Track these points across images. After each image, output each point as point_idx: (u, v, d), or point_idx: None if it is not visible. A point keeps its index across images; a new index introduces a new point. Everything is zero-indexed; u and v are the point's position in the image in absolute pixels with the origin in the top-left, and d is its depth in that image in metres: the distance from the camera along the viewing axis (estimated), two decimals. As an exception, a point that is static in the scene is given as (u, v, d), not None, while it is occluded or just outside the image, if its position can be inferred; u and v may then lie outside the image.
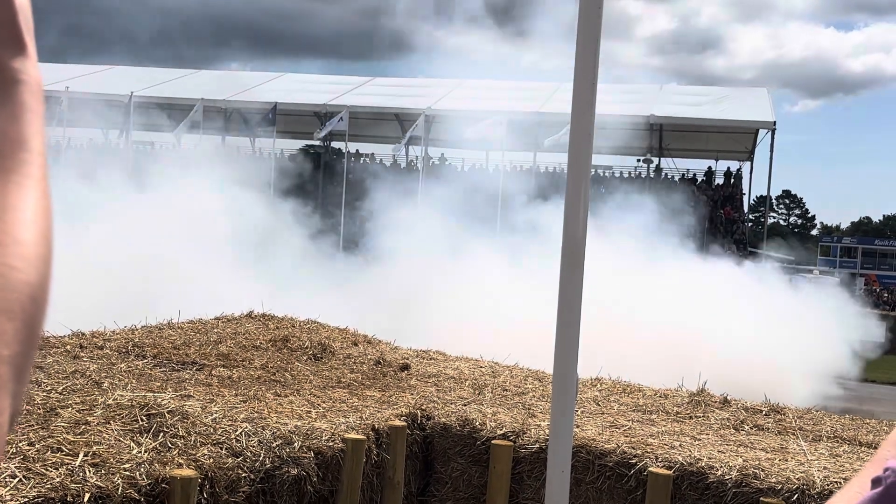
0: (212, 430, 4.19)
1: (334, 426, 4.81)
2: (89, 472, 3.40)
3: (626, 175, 41.64)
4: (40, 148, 0.69)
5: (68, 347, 6.06)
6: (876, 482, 1.08)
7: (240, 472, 4.01)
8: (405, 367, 6.87)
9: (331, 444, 4.59)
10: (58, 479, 3.27)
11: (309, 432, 4.58)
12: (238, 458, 4.06)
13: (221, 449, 4.05)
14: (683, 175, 41.20)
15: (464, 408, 5.72)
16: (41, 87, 0.72)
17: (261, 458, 4.14)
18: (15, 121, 0.68)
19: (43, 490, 3.20)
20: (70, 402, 4.20)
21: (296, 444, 4.39)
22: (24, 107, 0.69)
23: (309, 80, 45.98)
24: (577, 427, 5.27)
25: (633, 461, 4.89)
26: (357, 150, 41.04)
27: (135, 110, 35.62)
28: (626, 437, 5.24)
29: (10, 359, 0.61)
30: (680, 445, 5.11)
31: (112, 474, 3.44)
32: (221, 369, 6.08)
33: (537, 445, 5.11)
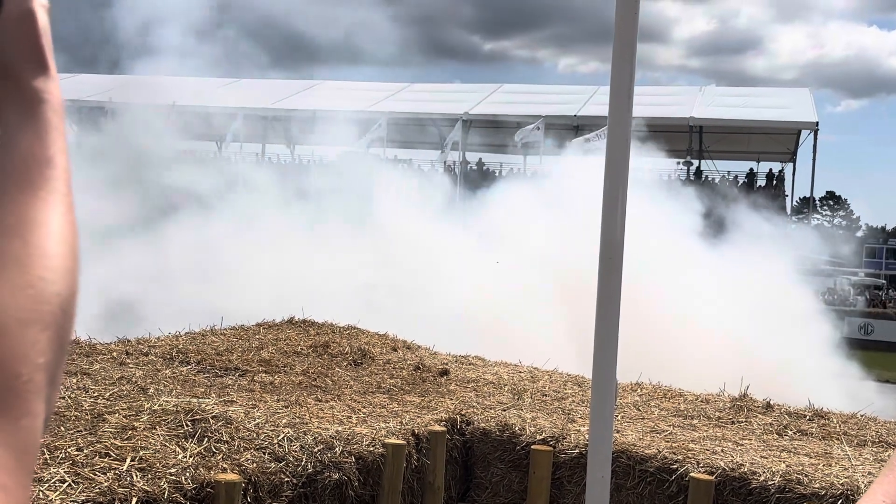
0: (255, 436, 4.25)
1: (375, 431, 4.85)
2: (136, 476, 3.47)
3: (665, 177, 41.29)
4: (65, 164, 0.73)
5: (114, 354, 6.18)
6: None
7: (282, 476, 4.06)
8: (444, 373, 6.90)
9: (371, 449, 4.63)
10: (106, 484, 3.34)
11: (350, 437, 4.63)
12: (281, 462, 4.11)
13: (264, 454, 4.10)
14: (724, 177, 40.75)
15: (503, 413, 5.73)
16: (62, 106, 0.75)
17: (303, 463, 4.18)
18: (40, 139, 0.72)
19: (91, 494, 3.27)
20: (117, 407, 4.28)
21: (337, 449, 4.44)
22: (49, 125, 0.73)
23: (347, 87, 46.29)
24: (618, 432, 5.25)
25: (675, 466, 4.86)
26: (395, 157, 41.18)
27: (177, 119, 36.11)
28: (668, 442, 5.21)
29: (45, 366, 0.65)
30: (722, 451, 5.06)
31: (158, 479, 3.50)
32: (263, 375, 6.15)
33: (577, 450, 5.10)
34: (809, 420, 6.11)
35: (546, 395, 6.46)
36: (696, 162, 39.33)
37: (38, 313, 0.65)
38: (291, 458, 4.17)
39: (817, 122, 35.88)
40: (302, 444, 4.31)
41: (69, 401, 4.33)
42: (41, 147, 0.71)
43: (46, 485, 3.23)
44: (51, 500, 3.14)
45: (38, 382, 0.64)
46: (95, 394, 4.60)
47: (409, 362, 7.12)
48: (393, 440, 4.78)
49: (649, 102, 35.34)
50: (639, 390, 6.87)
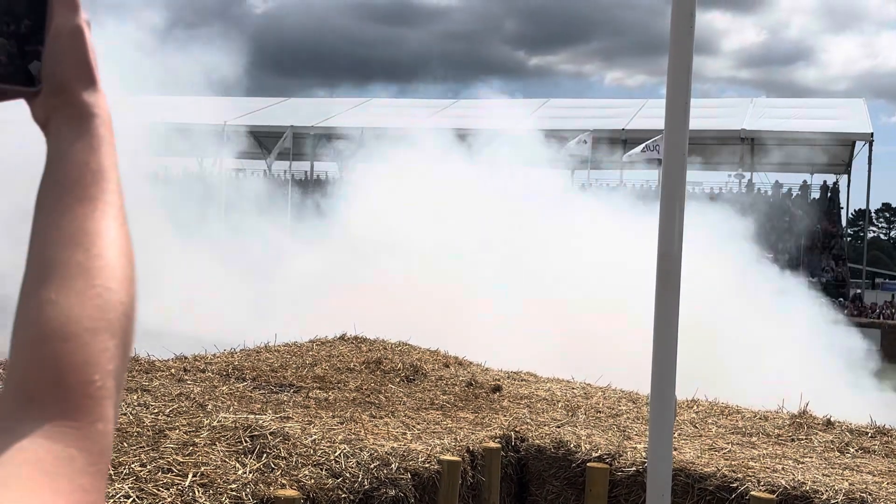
0: (312, 452, 4.28)
1: (429, 448, 4.86)
2: (198, 492, 3.52)
3: (717, 190, 40.83)
4: (116, 177, 0.75)
5: (172, 371, 6.28)
6: None
7: (340, 492, 4.08)
8: (497, 389, 6.88)
9: (427, 465, 4.63)
10: (169, 499, 3.40)
11: (405, 454, 4.64)
12: (338, 478, 4.13)
13: (322, 470, 4.13)
14: (778, 189, 40.15)
15: (557, 429, 5.69)
16: (111, 120, 0.78)
17: (359, 479, 4.20)
18: (94, 152, 0.74)
19: (155, 509, 3.32)
20: (177, 423, 4.35)
21: (393, 466, 4.45)
22: (101, 139, 0.75)
23: (394, 104, 46.63)
24: (675, 450, 5.18)
25: (735, 485, 4.78)
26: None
27: (228, 138, 36.71)
28: (726, 460, 5.13)
29: (115, 372, 0.68)
30: (782, 469, 4.97)
31: (220, 494, 3.55)
32: (318, 391, 6.20)
33: (634, 468, 5.04)
34: (871, 437, 5.97)
35: (600, 412, 6.41)
36: (748, 174, 38.82)
37: (106, 321, 0.68)
38: (348, 475, 4.19)
39: (872, 133, 35.26)
40: (358, 461, 4.33)
41: (131, 417, 4.41)
42: (97, 160, 0.74)
43: (112, 500, 3.29)
44: (116, 515, 3.20)
45: (110, 388, 0.67)
46: (156, 410, 4.67)
47: (461, 378, 7.12)
48: (448, 457, 4.77)
49: (700, 115, 34.96)
50: (695, 407, 6.78)
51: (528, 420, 5.94)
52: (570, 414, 6.28)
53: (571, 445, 5.37)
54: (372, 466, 4.34)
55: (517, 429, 5.63)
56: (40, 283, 0.69)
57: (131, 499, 3.32)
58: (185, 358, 6.84)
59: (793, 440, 5.83)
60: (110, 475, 3.50)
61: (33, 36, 0.74)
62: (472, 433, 5.38)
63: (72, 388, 0.65)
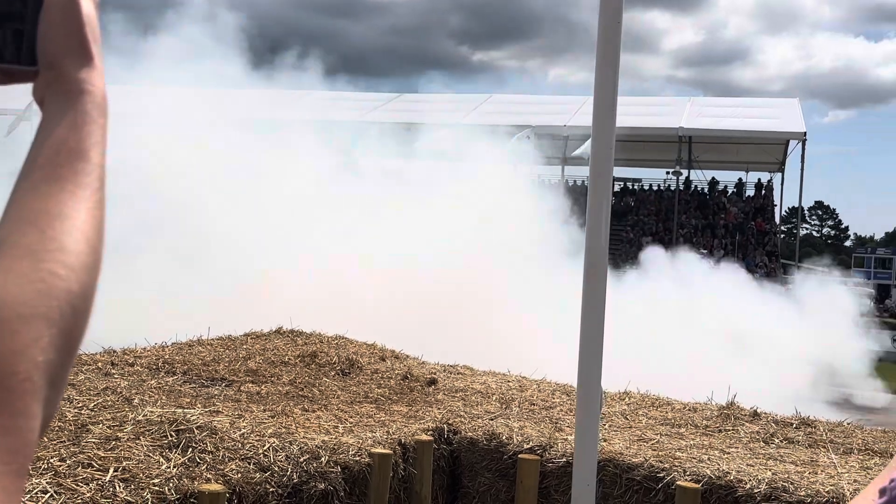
0: (240, 446, 4.24)
1: (361, 441, 4.84)
2: (119, 487, 3.45)
3: (655, 187, 41.46)
4: (99, 159, 0.71)
5: (100, 364, 6.15)
6: (882, 492, 1.09)
7: (267, 486, 4.04)
8: (432, 382, 6.89)
9: (358, 458, 4.62)
10: (88, 495, 3.32)
11: (336, 447, 4.61)
12: (266, 472, 4.09)
13: (249, 464, 4.09)
14: (713, 187, 40.91)
15: (491, 422, 5.72)
16: (106, 98, 0.73)
17: (288, 473, 4.17)
18: (76, 130, 0.70)
19: (74, 505, 3.25)
20: (101, 418, 4.26)
21: (323, 459, 4.42)
22: (87, 117, 0.71)
23: (335, 97, 46.30)
24: (605, 441, 5.25)
25: (661, 475, 4.86)
26: (384, 168, 41.14)
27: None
28: (654, 450, 5.21)
29: (45, 365, 0.62)
30: (708, 459, 5.07)
31: (141, 489, 3.49)
32: (250, 385, 6.13)
33: (564, 459, 5.09)
34: (796, 428, 6.12)
35: (534, 405, 6.46)
36: (685, 172, 39.47)
37: (45, 309, 0.63)
38: (277, 469, 4.16)
39: (805, 133, 36.07)
40: (287, 454, 4.30)
41: (53, 411, 4.31)
42: (76, 138, 0.69)
43: (28, 496, 3.21)
44: (32, 511, 3.12)
45: (37, 382, 0.61)
46: (80, 404, 4.57)
47: (397, 372, 7.11)
48: (379, 450, 4.76)
49: (639, 113, 35.49)
50: (627, 399, 6.87)
51: (462, 413, 5.96)
52: (503, 406, 6.32)
53: (504, 437, 5.40)
54: (301, 460, 4.31)
55: (450, 421, 5.64)
56: None
57: (49, 493, 3.25)
58: (114, 351, 6.71)
59: (720, 431, 5.95)
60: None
61: (37, 14, 0.71)
62: (406, 426, 5.38)
63: None
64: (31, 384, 0.61)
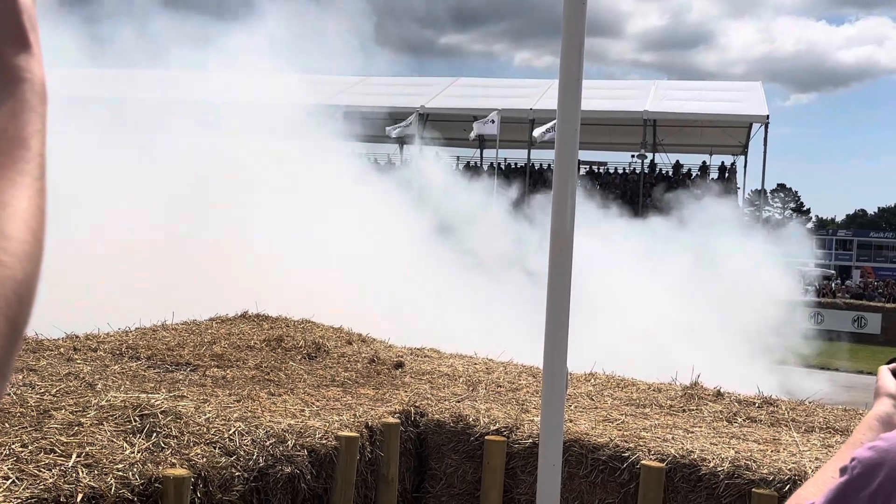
0: (205, 430, 4.21)
1: (328, 424, 4.83)
2: (82, 472, 3.41)
3: (620, 171, 41.71)
4: (39, 147, 0.70)
5: (62, 350, 6.07)
6: (843, 471, 1.10)
7: (233, 470, 4.02)
8: (399, 365, 6.89)
9: (324, 441, 4.61)
10: (51, 480, 3.29)
11: (302, 430, 4.60)
12: (231, 457, 4.07)
13: (215, 448, 4.06)
14: (678, 170, 41.24)
15: (457, 404, 5.74)
16: (45, 86, 0.72)
17: (254, 457, 4.15)
18: (14, 118, 0.69)
19: (36, 491, 3.21)
20: (63, 403, 4.21)
21: (289, 443, 4.41)
22: (26, 105, 0.70)
23: (300, 81, 45.90)
24: (570, 422, 5.30)
25: (626, 454, 4.91)
26: (351, 150, 40.94)
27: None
28: (619, 430, 5.26)
29: None
30: (673, 438, 5.13)
31: (105, 474, 3.45)
32: (215, 370, 6.09)
33: (530, 440, 5.13)
34: (759, 407, 6.21)
35: (500, 387, 6.49)
36: (650, 155, 39.74)
37: None
38: (242, 453, 4.14)
39: (768, 116, 36.46)
40: (253, 438, 4.28)
41: (14, 397, 4.25)
42: (15, 126, 0.68)
43: (-11, 482, 3.17)
44: (-7, 498, 3.08)
45: None
46: (42, 390, 4.51)
47: (363, 355, 7.10)
48: (346, 433, 4.76)
49: (603, 96, 35.64)
50: (592, 380, 6.93)
51: (429, 395, 5.97)
52: (470, 389, 6.34)
53: (470, 419, 5.42)
54: (267, 444, 4.30)
55: (417, 404, 5.65)
56: None
57: (10, 480, 3.20)
58: (76, 337, 6.62)
59: (684, 411, 6.02)
60: (-13, 457, 3.36)
61: None
62: (372, 409, 5.38)
63: None
64: None
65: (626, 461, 4.88)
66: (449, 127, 39.96)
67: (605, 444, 5.00)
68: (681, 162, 41.69)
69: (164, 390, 5.05)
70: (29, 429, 3.77)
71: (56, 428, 3.79)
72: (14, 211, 0.66)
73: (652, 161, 40.29)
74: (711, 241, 21.79)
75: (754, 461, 4.73)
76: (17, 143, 0.68)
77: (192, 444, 4.01)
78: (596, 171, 42.49)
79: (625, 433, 5.19)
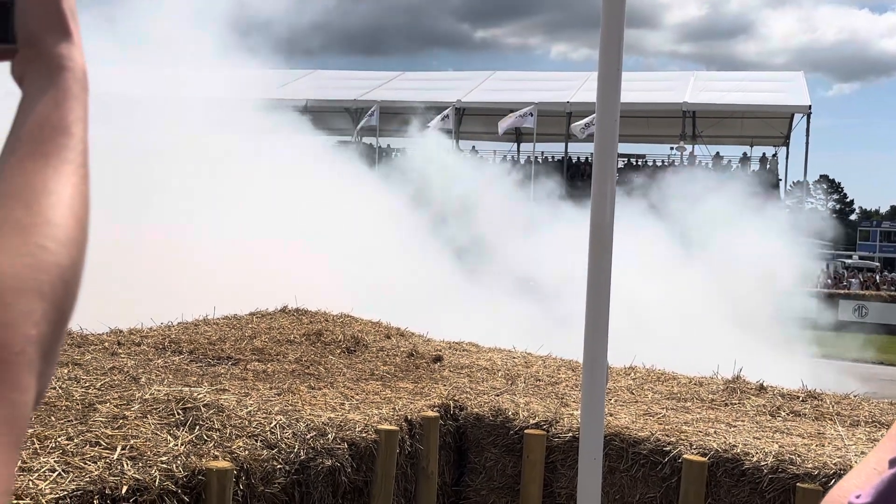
0: (247, 423, 4.25)
1: (367, 418, 4.85)
2: (127, 465, 3.46)
3: (659, 163, 41.31)
4: (82, 134, 0.71)
5: (106, 344, 6.16)
6: (892, 463, 1.08)
7: (275, 463, 4.05)
8: (438, 359, 6.89)
9: (364, 435, 4.63)
10: (96, 473, 3.33)
11: (342, 424, 4.62)
12: (273, 449, 4.10)
13: (256, 441, 4.10)
14: (718, 162, 40.75)
15: (496, 398, 5.73)
16: (86, 74, 0.73)
17: (295, 450, 4.18)
18: (57, 107, 0.70)
19: (82, 483, 3.26)
20: (108, 397, 4.27)
21: (329, 436, 4.43)
22: (68, 93, 0.71)
23: (339, 76, 46.14)
24: (611, 415, 5.26)
25: (668, 448, 4.87)
26: (388, 145, 41.10)
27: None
28: (661, 424, 5.22)
29: (38, 338, 0.62)
30: (715, 432, 5.08)
31: (149, 467, 3.50)
32: (256, 364, 6.14)
33: (570, 434, 5.10)
34: (802, 401, 6.12)
35: (539, 380, 6.47)
36: (689, 147, 39.33)
37: (36, 283, 0.63)
38: (284, 445, 4.17)
39: (810, 106, 35.91)
40: (294, 431, 4.30)
41: (60, 391, 4.32)
42: (58, 115, 0.69)
43: (36, 474, 3.22)
44: (41, 490, 3.13)
45: (30, 355, 0.61)
46: (87, 384, 4.58)
47: (402, 349, 7.12)
48: (386, 426, 4.77)
49: (642, 88, 35.34)
50: (632, 374, 6.88)
51: (468, 389, 5.96)
52: (509, 383, 6.32)
53: (509, 413, 5.41)
54: (308, 437, 4.32)
55: (456, 398, 5.65)
56: None
57: (57, 472, 3.25)
58: (120, 331, 6.72)
59: (726, 405, 5.95)
60: (35, 449, 3.42)
61: None
62: (412, 403, 5.38)
63: None
64: (25, 357, 0.61)
65: (668, 455, 4.84)
66: (486, 121, 39.88)
67: (646, 438, 4.96)
68: (721, 153, 41.18)
69: (206, 384, 5.11)
70: (74, 422, 3.83)
71: (101, 421, 3.85)
72: (59, 198, 0.67)
73: (691, 153, 39.87)
74: (740, 231, 21.55)
75: (799, 455, 4.67)
76: (60, 131, 0.69)
77: (234, 436, 4.05)
78: (634, 163, 42.14)
79: (666, 427, 5.14)
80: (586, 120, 30.42)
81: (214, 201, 16.22)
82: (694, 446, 4.84)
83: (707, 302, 17.54)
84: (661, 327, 14.81)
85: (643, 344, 8.76)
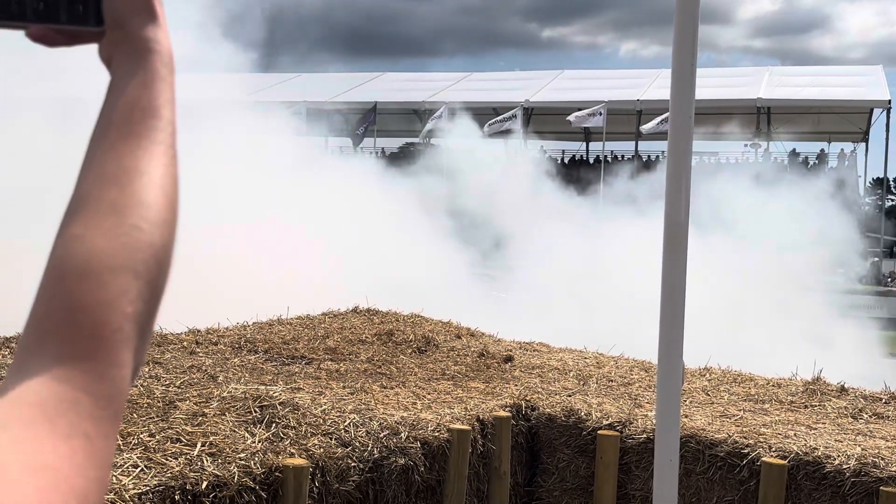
0: (321, 421, 4.30)
1: (440, 417, 4.87)
2: (207, 461, 3.54)
3: (732, 161, 40.52)
4: (171, 116, 0.72)
5: (185, 343, 6.31)
6: None
7: (349, 461, 4.10)
8: (508, 359, 6.88)
9: (436, 434, 4.65)
10: (177, 469, 3.42)
11: (415, 423, 4.65)
12: (347, 447, 4.15)
13: (331, 439, 4.15)
14: (794, 159, 39.79)
15: (568, 398, 5.69)
16: (172, 56, 0.74)
17: (369, 448, 4.22)
18: (146, 89, 0.71)
19: (163, 479, 3.35)
20: (188, 395, 4.37)
21: (402, 435, 4.46)
22: (156, 76, 0.72)
23: (407, 78, 46.43)
24: (686, 417, 5.18)
25: (746, 451, 4.77)
26: (454, 146, 41.14)
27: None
28: (738, 426, 5.11)
29: (134, 316, 0.64)
30: (794, 435, 4.96)
31: (228, 463, 3.57)
32: (329, 363, 6.22)
33: (644, 435, 5.04)
34: (885, 403, 5.93)
35: (612, 381, 6.40)
36: (764, 143, 38.49)
37: (131, 262, 0.65)
38: (358, 444, 4.21)
39: (890, 101, 34.79)
40: (368, 430, 4.35)
41: (142, 389, 4.44)
42: (147, 97, 0.71)
43: (120, 470, 3.32)
44: (124, 485, 3.22)
45: (127, 332, 0.63)
46: (167, 382, 4.70)
47: (472, 349, 7.12)
48: (458, 426, 4.78)
49: (715, 84, 34.69)
50: (708, 375, 6.76)
51: (539, 389, 5.94)
52: (581, 383, 6.28)
53: (582, 414, 5.37)
54: (381, 435, 4.36)
55: (528, 398, 5.63)
56: (71, 218, 0.66)
57: (139, 468, 3.35)
58: (198, 331, 6.87)
59: (806, 407, 5.81)
60: (119, 445, 3.52)
61: None
62: (483, 402, 5.39)
63: (85, 329, 0.62)
64: (122, 334, 0.63)
65: (746, 458, 4.74)
66: (554, 121, 39.67)
67: (723, 441, 4.87)
68: (797, 150, 40.20)
69: (281, 382, 5.19)
70: (156, 419, 3.93)
71: (181, 418, 3.94)
72: (150, 179, 0.68)
73: (766, 150, 39.00)
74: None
75: (882, 459, 4.53)
76: (150, 112, 0.70)
77: (309, 434, 4.11)
78: (707, 161, 41.42)
79: (744, 429, 5.04)
80: (658, 119, 30.03)
81: (289, 203, 16.52)
82: (773, 449, 4.73)
83: (780, 302, 17.16)
84: (736, 327, 14.52)
85: (717, 345, 8.60)
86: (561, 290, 17.00)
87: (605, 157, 39.18)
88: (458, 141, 33.36)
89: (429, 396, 5.45)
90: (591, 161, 41.20)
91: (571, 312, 15.00)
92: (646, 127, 32.28)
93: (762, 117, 37.51)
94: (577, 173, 35.44)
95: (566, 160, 42.95)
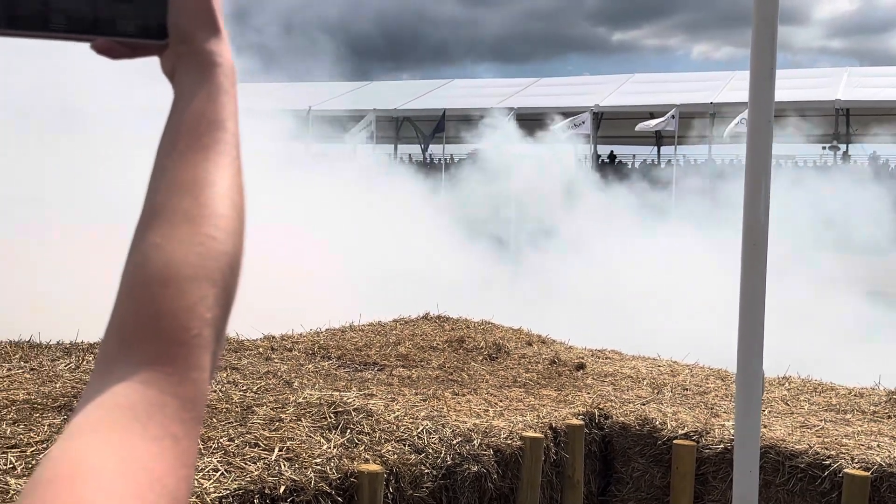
0: (395, 428, 4.33)
1: (512, 425, 4.85)
2: (284, 466, 3.59)
3: (810, 164, 39.52)
4: (235, 129, 0.74)
5: (261, 350, 6.42)
6: None
7: (423, 468, 4.12)
8: (581, 367, 6.82)
9: (509, 441, 4.63)
10: (256, 473, 3.48)
11: (487, 430, 4.65)
12: (420, 454, 4.17)
13: (405, 445, 4.17)
14: (875, 162, 38.59)
15: (643, 407, 5.62)
16: (234, 70, 0.76)
17: (442, 455, 4.23)
18: (212, 102, 0.73)
19: (243, 483, 3.41)
20: (265, 400, 4.45)
21: (475, 442, 4.46)
22: (220, 88, 0.74)
23: (476, 84, 46.47)
24: (765, 427, 5.06)
25: (827, 462, 4.64)
26: (522, 152, 41.01)
27: (313, 123, 37.24)
28: (819, 437, 4.98)
29: (212, 321, 0.67)
30: (878, 446, 4.81)
31: (305, 468, 3.62)
32: (401, 369, 6.26)
33: (722, 446, 4.95)
34: (976, 415, 5.71)
35: (687, 389, 6.30)
36: (843, 146, 37.43)
37: (207, 270, 0.67)
38: (431, 451, 4.23)
39: (978, 99, 33.47)
40: (441, 437, 4.36)
41: (220, 394, 4.53)
42: (213, 109, 0.73)
43: (201, 473, 3.39)
44: (205, 488, 3.29)
45: (206, 337, 0.66)
46: (244, 387, 4.79)
47: (544, 356, 7.08)
48: (530, 433, 4.76)
49: (791, 86, 33.86)
50: (787, 384, 6.60)
51: (613, 397, 5.88)
52: (655, 391, 6.19)
53: (657, 423, 5.30)
54: (454, 442, 4.37)
55: (601, 406, 5.58)
56: (147, 227, 0.69)
57: (220, 472, 3.42)
58: (273, 337, 6.99)
59: (889, 417, 5.63)
60: (199, 449, 3.60)
61: None
62: (555, 410, 5.35)
63: (167, 334, 0.64)
64: (202, 339, 0.66)
65: (828, 469, 4.61)
66: (625, 125, 39.23)
67: (803, 451, 4.75)
68: (878, 153, 38.98)
69: (354, 388, 5.24)
70: (234, 424, 4.01)
71: (259, 423, 4.02)
72: (220, 189, 0.71)
73: (845, 153, 37.91)
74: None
75: (974, 473, 4.36)
76: (216, 125, 0.73)
77: (383, 440, 4.14)
78: (783, 164, 40.47)
79: (825, 440, 4.91)
80: (735, 121, 29.48)
81: (358, 210, 16.70)
82: (856, 460, 4.60)
83: (862, 308, 16.67)
84: (815, 336, 14.14)
85: (797, 353, 8.39)
86: (631, 295, 16.78)
87: (678, 160, 38.58)
88: (523, 147, 33.26)
89: (501, 404, 5.44)
90: (663, 165, 40.62)
91: (641, 319, 14.79)
92: (644, 125, 31.86)
93: (841, 119, 36.48)
94: (648, 176, 34.97)
95: (636, 164, 42.44)
